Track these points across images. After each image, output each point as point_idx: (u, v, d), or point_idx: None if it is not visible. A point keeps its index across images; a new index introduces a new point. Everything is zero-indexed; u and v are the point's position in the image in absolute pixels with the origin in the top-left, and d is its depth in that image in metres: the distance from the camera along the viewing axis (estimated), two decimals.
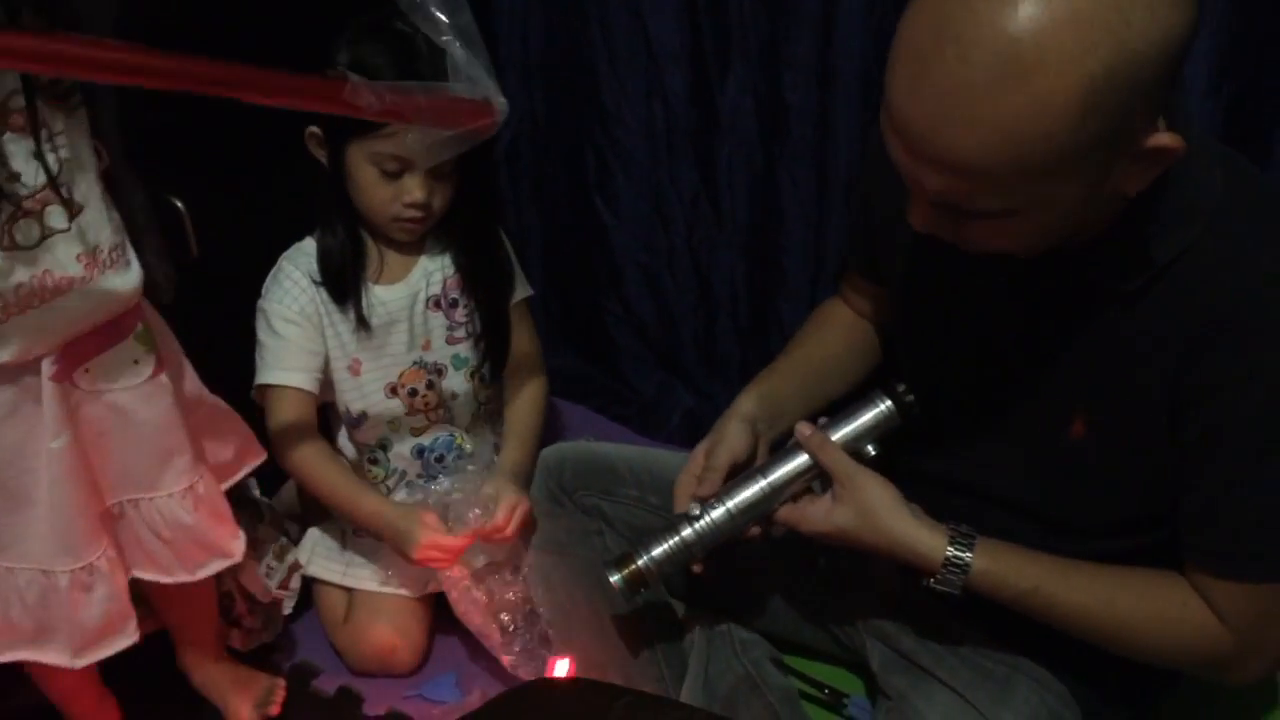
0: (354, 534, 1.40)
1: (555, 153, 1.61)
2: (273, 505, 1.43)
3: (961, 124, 0.72)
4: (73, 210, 0.94)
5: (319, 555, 1.39)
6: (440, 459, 1.39)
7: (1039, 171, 0.74)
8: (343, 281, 1.29)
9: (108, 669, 1.23)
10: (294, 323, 1.29)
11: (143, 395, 1.03)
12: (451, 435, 1.39)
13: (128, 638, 1.08)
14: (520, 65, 1.59)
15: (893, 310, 1.12)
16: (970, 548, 0.94)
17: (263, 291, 1.31)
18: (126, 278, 1.00)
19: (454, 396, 1.37)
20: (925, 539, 0.95)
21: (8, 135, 0.89)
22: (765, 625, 1.23)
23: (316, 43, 1.22)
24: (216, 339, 1.28)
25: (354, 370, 1.33)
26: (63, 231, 0.94)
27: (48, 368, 0.97)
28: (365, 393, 1.34)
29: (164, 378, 1.05)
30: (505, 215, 1.68)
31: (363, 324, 1.30)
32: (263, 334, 1.30)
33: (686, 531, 1.00)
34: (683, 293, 1.60)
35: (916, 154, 0.76)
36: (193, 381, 1.13)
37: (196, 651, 1.27)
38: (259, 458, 1.21)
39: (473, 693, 1.25)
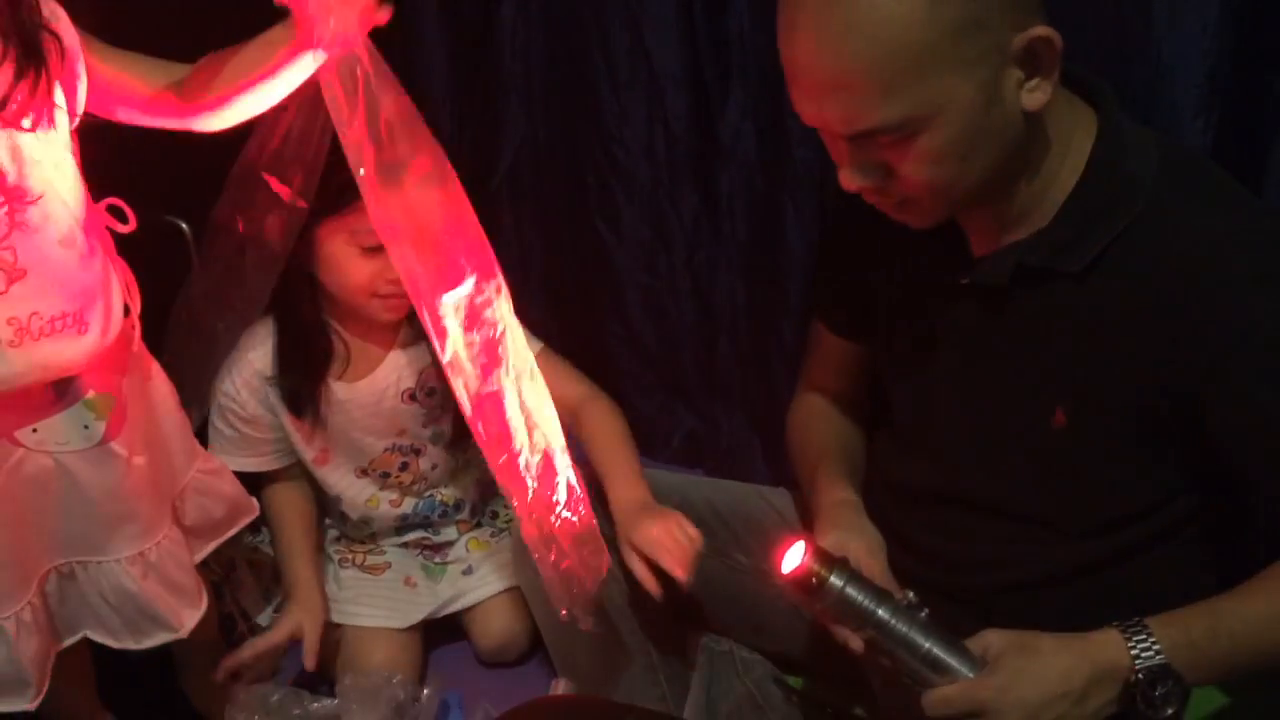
0: (340, 567, 1.40)
1: (556, 175, 1.62)
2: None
3: (832, 39, 0.80)
4: (13, 275, 0.92)
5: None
6: (426, 519, 1.40)
7: (917, 65, 0.79)
8: (298, 387, 1.25)
9: (108, 689, 1.23)
10: (248, 421, 1.27)
11: (91, 460, 1.02)
12: (432, 498, 1.39)
13: (19, 702, 1.04)
14: (522, 88, 1.60)
15: (877, 342, 1.12)
16: (1140, 625, 0.87)
17: (220, 372, 1.26)
18: (74, 346, 0.96)
19: (434, 468, 1.37)
20: (1097, 638, 0.87)
21: None
22: (768, 645, 1.23)
23: None
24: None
25: (320, 461, 1.32)
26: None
27: None
28: (336, 478, 1.34)
29: (116, 445, 1.02)
30: (506, 237, 1.69)
31: (319, 425, 1.27)
32: (215, 419, 1.28)
33: (883, 610, 0.90)
34: (683, 314, 1.60)
35: (816, 90, 0.83)
36: (182, 440, 1.12)
37: (198, 673, 1.27)
38: (252, 513, 1.20)
39: (476, 714, 1.25)
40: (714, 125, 1.44)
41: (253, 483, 1.26)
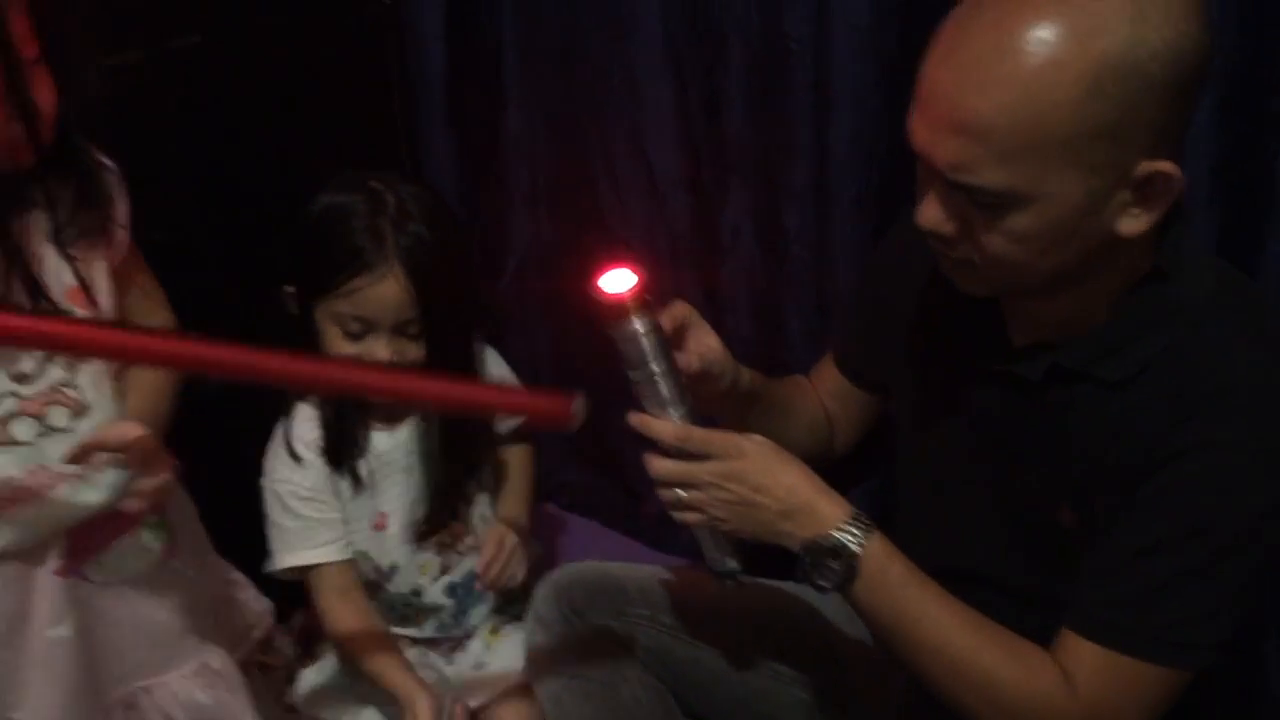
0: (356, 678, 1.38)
1: (563, 274, 1.66)
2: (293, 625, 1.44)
3: (984, 84, 0.79)
4: (78, 411, 0.96)
5: (319, 695, 1.37)
6: (469, 589, 1.39)
7: (1042, 145, 0.79)
8: (338, 437, 1.26)
9: None
10: (310, 499, 1.27)
11: (152, 582, 1.05)
12: (474, 571, 1.38)
13: None
14: (527, 190, 1.64)
15: (893, 400, 1.15)
16: (868, 525, 0.94)
17: (265, 470, 1.27)
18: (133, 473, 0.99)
19: (484, 520, 1.37)
20: (834, 497, 0.95)
21: None
22: None
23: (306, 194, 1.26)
24: (246, 460, 1.30)
25: (379, 525, 1.31)
26: (62, 430, 0.96)
27: (53, 561, 0.98)
28: (393, 545, 1.32)
29: (175, 562, 1.06)
30: (514, 335, 1.72)
31: (357, 484, 1.28)
32: (276, 515, 1.26)
33: (657, 366, 0.98)
34: None
35: (937, 121, 0.82)
36: (211, 551, 1.15)
37: None
38: (270, 617, 1.23)
39: None
40: (714, 225, 1.48)
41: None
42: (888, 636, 0.96)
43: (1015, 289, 0.92)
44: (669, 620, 1.21)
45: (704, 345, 1.04)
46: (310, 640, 1.46)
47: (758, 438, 0.98)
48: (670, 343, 0.99)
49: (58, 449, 0.95)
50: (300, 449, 1.26)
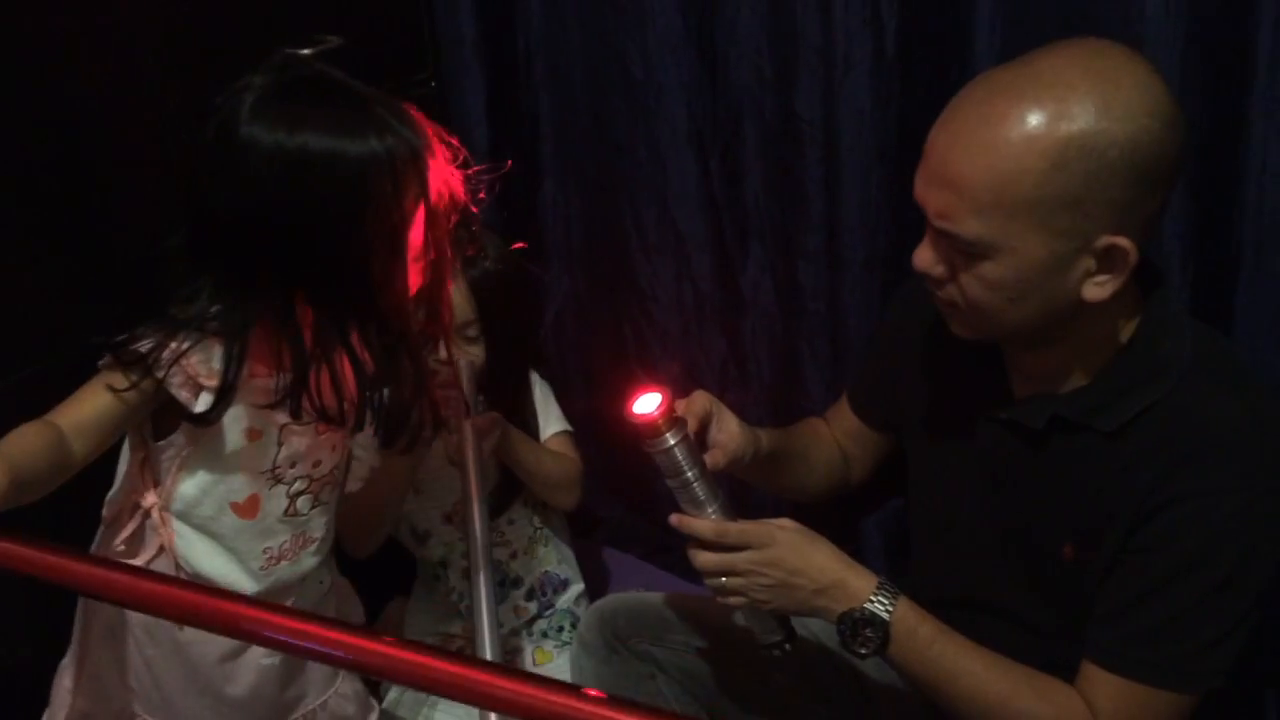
0: None
1: (597, 327, 1.78)
2: None
3: (967, 146, 0.91)
4: (336, 489, 1.13)
5: (399, 697, 1.50)
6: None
7: (1013, 207, 0.90)
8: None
9: None
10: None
11: (322, 611, 1.20)
12: (499, 562, 1.52)
13: None
14: (564, 251, 1.77)
15: (902, 438, 1.24)
16: (894, 592, 1.04)
17: None
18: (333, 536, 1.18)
19: (510, 523, 1.52)
20: (859, 570, 1.06)
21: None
22: None
23: None
24: None
25: (415, 489, 1.49)
26: (325, 504, 1.12)
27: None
28: (427, 514, 1.49)
29: (331, 592, 1.21)
30: (554, 380, 1.84)
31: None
32: None
33: (691, 474, 1.08)
34: None
35: (930, 175, 0.94)
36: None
37: None
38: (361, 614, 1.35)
39: None
40: (736, 281, 1.59)
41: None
42: (925, 689, 1.05)
43: (995, 334, 1.02)
44: (703, 645, 1.32)
45: (726, 436, 1.14)
46: None
47: (787, 523, 1.08)
48: (698, 447, 1.10)
49: (319, 520, 1.12)
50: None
